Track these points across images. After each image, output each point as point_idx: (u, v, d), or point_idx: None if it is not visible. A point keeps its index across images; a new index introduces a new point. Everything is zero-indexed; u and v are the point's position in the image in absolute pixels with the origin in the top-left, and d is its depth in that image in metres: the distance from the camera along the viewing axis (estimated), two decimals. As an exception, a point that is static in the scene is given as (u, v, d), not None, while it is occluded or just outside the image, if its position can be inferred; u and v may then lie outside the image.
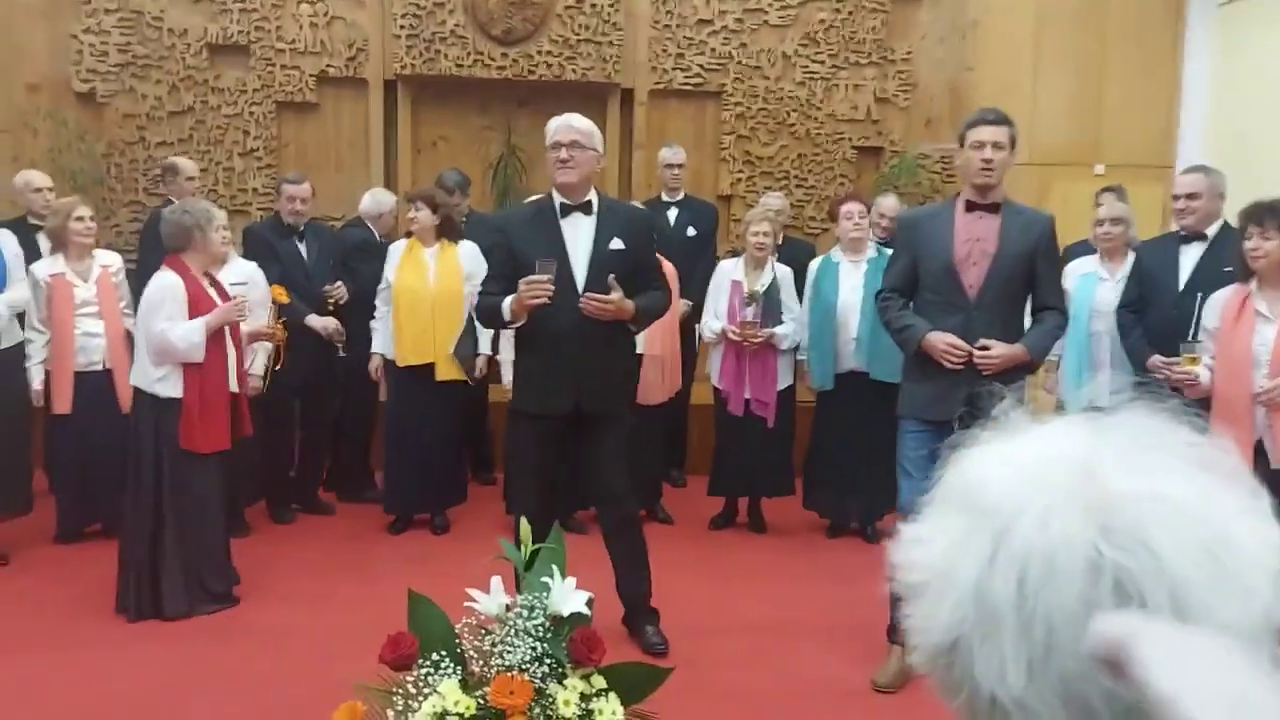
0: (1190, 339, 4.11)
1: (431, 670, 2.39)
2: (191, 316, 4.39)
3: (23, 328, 5.13)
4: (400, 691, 2.38)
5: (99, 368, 5.10)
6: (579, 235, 3.99)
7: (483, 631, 2.49)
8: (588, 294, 3.87)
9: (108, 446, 4.87)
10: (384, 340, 5.60)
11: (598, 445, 4.06)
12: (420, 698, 2.35)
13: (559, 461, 4.12)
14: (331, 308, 5.66)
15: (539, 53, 7.08)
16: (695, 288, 5.88)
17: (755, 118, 7.26)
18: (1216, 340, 4.02)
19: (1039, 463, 0.73)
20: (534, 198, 5.82)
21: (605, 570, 4.07)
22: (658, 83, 7.22)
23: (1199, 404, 3.68)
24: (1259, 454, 3.75)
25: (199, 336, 4.36)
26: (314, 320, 5.54)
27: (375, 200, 6.32)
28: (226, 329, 4.55)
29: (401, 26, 6.99)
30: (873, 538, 5.46)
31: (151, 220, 5.74)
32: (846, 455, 5.42)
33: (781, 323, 5.47)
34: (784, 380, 5.61)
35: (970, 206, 3.88)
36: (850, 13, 7.20)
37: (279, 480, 5.80)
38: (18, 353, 5.09)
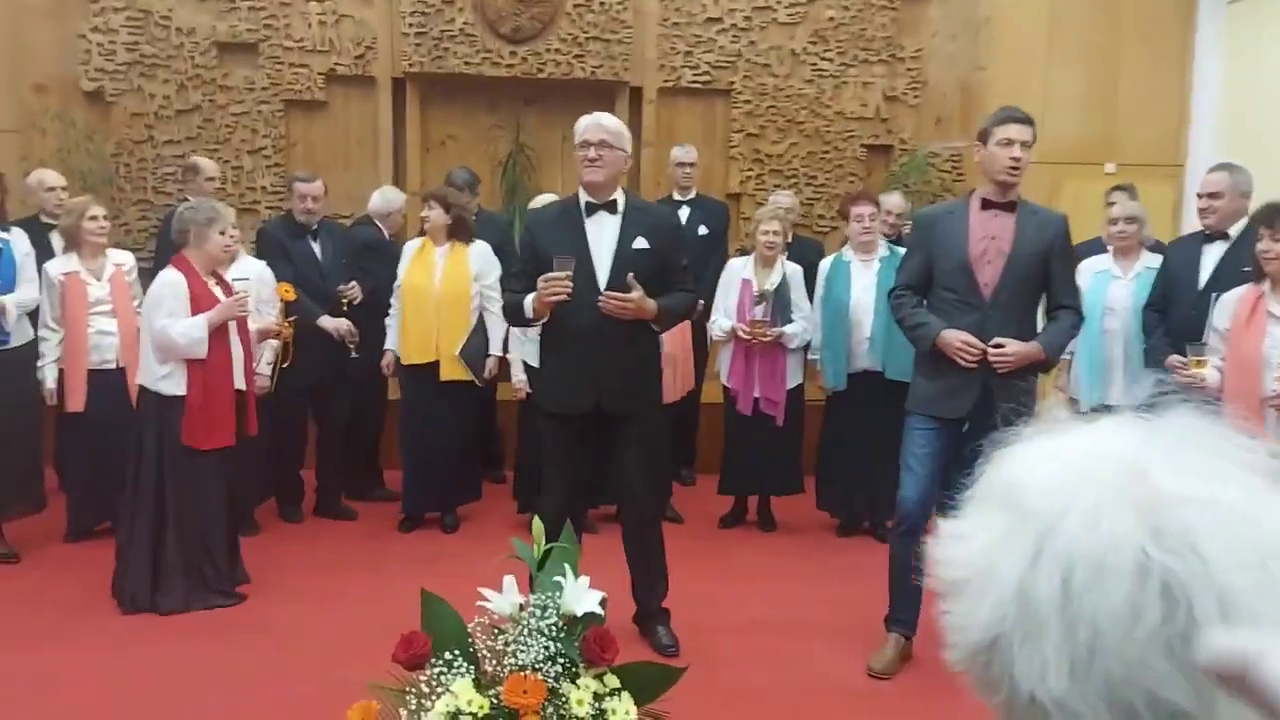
0: (1203, 340, 4.09)
1: (445, 669, 2.38)
2: (194, 314, 4.40)
3: (33, 327, 5.13)
4: (414, 691, 2.37)
5: (112, 366, 5.11)
6: (603, 234, 3.99)
7: (496, 631, 2.48)
8: (607, 292, 3.86)
9: (120, 445, 4.87)
10: (396, 337, 5.63)
11: (620, 445, 4.05)
12: (434, 697, 2.34)
13: (584, 461, 4.11)
14: (345, 308, 5.65)
15: (547, 51, 7.07)
16: (707, 287, 5.87)
17: (764, 115, 7.24)
18: (1227, 341, 3.99)
19: (1086, 462, 0.72)
20: (546, 196, 5.83)
21: (615, 570, 4.06)
22: (666, 80, 7.20)
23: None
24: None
25: (200, 333, 4.36)
26: (326, 322, 5.54)
27: (385, 198, 6.32)
28: (233, 326, 4.55)
29: (410, 24, 6.98)
30: (884, 537, 5.44)
31: (167, 219, 5.75)
32: (859, 455, 5.41)
33: (791, 321, 5.46)
34: (793, 379, 5.59)
35: (986, 204, 3.86)
36: (859, 10, 7.17)
37: (289, 479, 5.80)
38: (28, 352, 5.10)
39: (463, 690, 2.34)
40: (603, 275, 3.93)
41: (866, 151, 7.29)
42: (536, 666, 2.36)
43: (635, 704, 2.43)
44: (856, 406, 5.43)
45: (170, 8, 6.93)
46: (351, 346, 5.60)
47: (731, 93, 7.25)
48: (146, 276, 5.39)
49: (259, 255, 5.57)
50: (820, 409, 5.80)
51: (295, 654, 4.05)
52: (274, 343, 5.19)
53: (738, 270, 5.58)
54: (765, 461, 5.60)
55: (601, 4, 7.03)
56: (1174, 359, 4.21)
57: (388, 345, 5.70)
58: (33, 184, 5.78)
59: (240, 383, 4.62)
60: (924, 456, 3.94)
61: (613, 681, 2.44)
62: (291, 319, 5.15)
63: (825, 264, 5.66)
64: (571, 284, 3.79)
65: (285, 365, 5.27)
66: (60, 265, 5.12)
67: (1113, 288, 4.89)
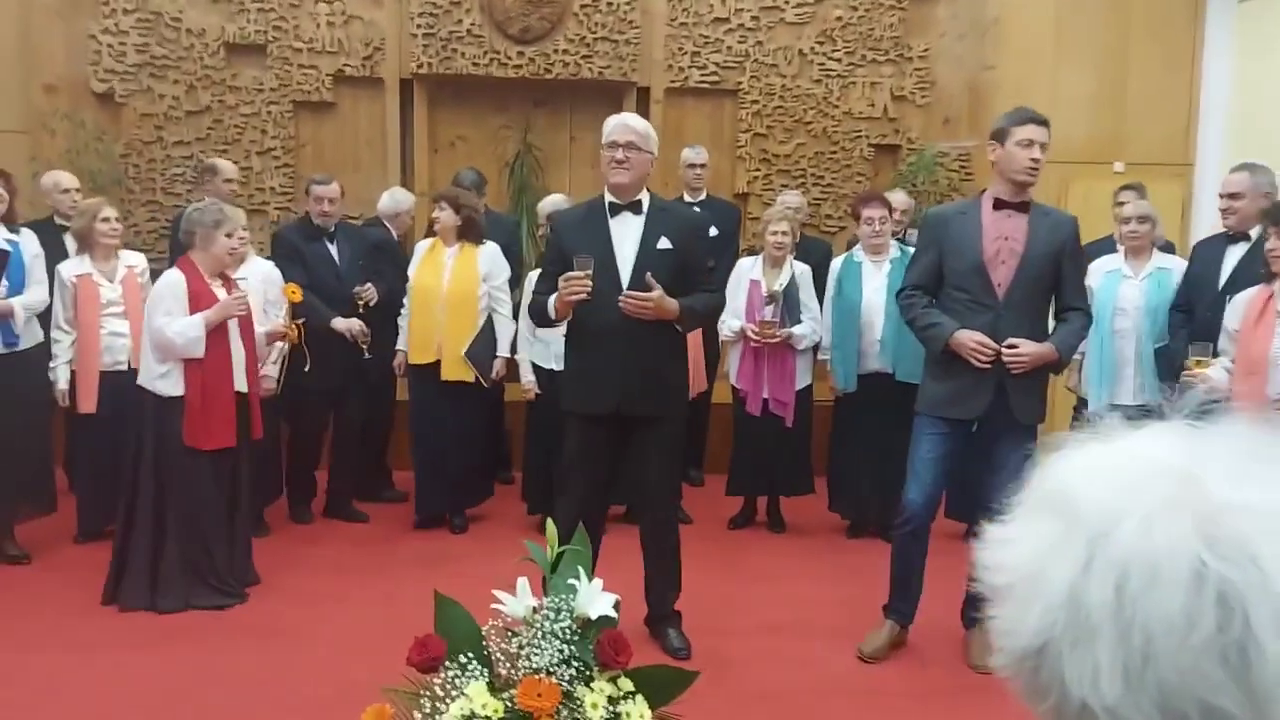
0: (1216, 341, 4.08)
1: (459, 673, 2.38)
2: (193, 314, 4.40)
3: (43, 329, 5.14)
4: (428, 694, 2.37)
5: (124, 367, 5.10)
6: (627, 234, 3.99)
7: (509, 634, 2.48)
8: (627, 292, 3.87)
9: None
10: (407, 337, 5.65)
11: (641, 446, 4.04)
12: (448, 700, 2.34)
13: (607, 462, 4.09)
14: (362, 309, 5.65)
15: (555, 51, 7.07)
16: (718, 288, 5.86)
17: (772, 116, 7.24)
18: (1237, 341, 3.98)
19: (1138, 468, 0.72)
20: (555, 197, 5.83)
21: (624, 571, 4.06)
22: (674, 81, 7.20)
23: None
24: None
25: (196, 332, 4.37)
26: (339, 323, 5.54)
27: (394, 199, 6.32)
28: (233, 327, 4.54)
29: (418, 26, 6.99)
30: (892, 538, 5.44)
31: (178, 220, 5.75)
32: (868, 456, 5.40)
33: (800, 322, 5.45)
34: (802, 380, 5.58)
35: (999, 204, 3.86)
36: (867, 10, 7.17)
37: (304, 481, 5.81)
38: (37, 353, 5.10)
39: (477, 693, 2.33)
40: (626, 276, 3.94)
41: (874, 151, 7.29)
42: (551, 670, 2.37)
43: (650, 707, 2.43)
44: (866, 408, 5.42)
45: (180, 9, 6.95)
46: (364, 347, 5.60)
47: (739, 93, 7.25)
48: (158, 278, 5.41)
49: (274, 258, 5.56)
50: (829, 409, 5.79)
51: (306, 655, 4.05)
52: (281, 344, 5.19)
53: (746, 271, 5.57)
54: (774, 462, 5.60)
55: (609, 4, 7.03)
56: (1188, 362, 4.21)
57: (399, 345, 5.72)
58: (47, 185, 5.79)
59: (242, 384, 4.61)
60: (931, 461, 3.95)
61: (627, 685, 2.44)
62: (299, 321, 5.15)
63: (836, 263, 5.64)
64: (591, 283, 3.79)
65: (306, 369, 5.27)
66: (73, 267, 5.13)
67: (1124, 288, 4.88)
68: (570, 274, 3.82)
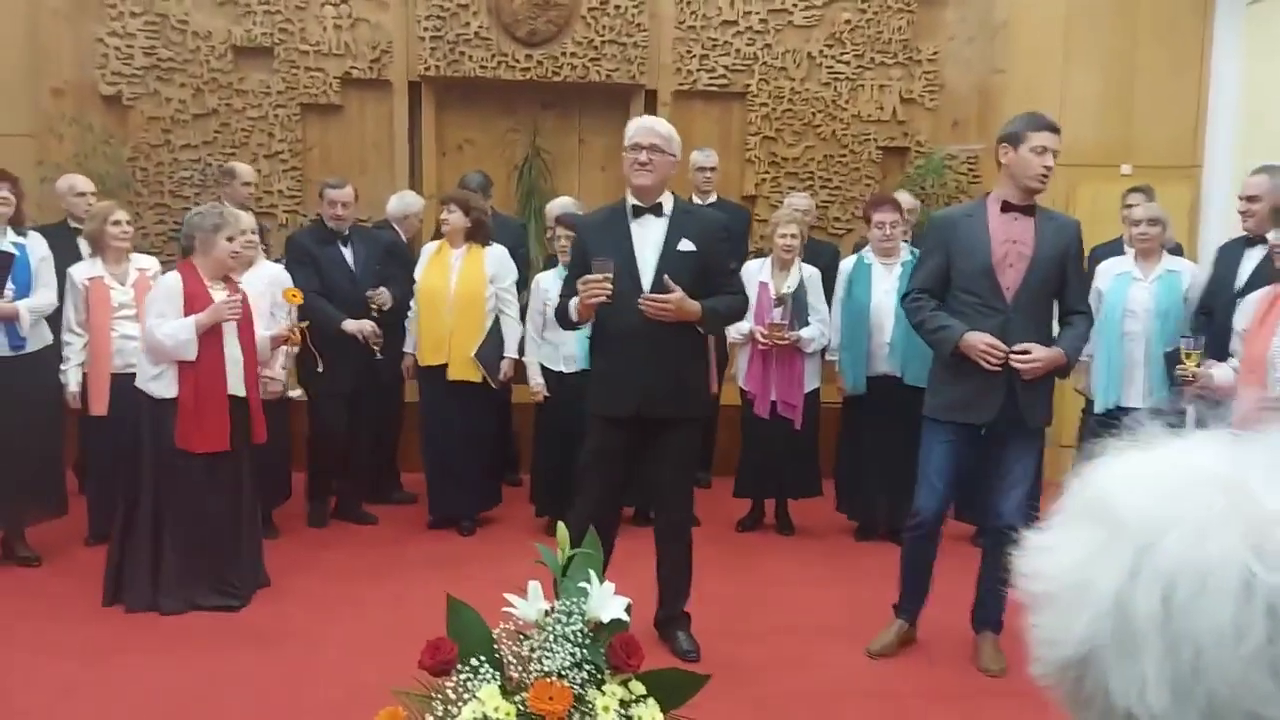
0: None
1: (470, 676, 2.38)
2: (187, 316, 4.41)
3: (52, 331, 5.15)
4: (440, 697, 2.36)
5: (135, 370, 5.10)
6: (648, 237, 3.99)
7: (521, 637, 2.47)
8: (646, 295, 3.87)
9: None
10: (414, 340, 5.66)
11: (659, 448, 4.04)
12: (459, 703, 2.34)
13: (625, 465, 4.08)
14: (376, 313, 5.65)
15: (563, 54, 7.07)
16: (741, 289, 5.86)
17: (780, 118, 7.23)
18: (1243, 341, 3.98)
19: (1183, 478, 0.71)
20: (563, 200, 5.83)
21: (633, 574, 4.05)
22: (682, 84, 7.20)
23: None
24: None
25: (187, 334, 4.37)
26: (349, 324, 5.54)
27: (403, 202, 6.33)
28: (230, 330, 4.53)
29: (425, 28, 7.00)
30: (901, 541, 5.43)
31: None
32: (876, 458, 5.39)
33: (809, 325, 5.44)
34: (811, 382, 5.58)
35: (1005, 208, 3.86)
36: (875, 13, 7.16)
37: (321, 484, 5.82)
38: (47, 355, 5.11)
39: (489, 696, 2.33)
40: (647, 278, 3.93)
41: (883, 154, 7.28)
42: (562, 673, 2.36)
43: (661, 710, 2.43)
44: (874, 411, 5.42)
45: (187, 12, 6.96)
46: (376, 348, 5.60)
47: (747, 96, 7.24)
48: (160, 280, 5.43)
49: (288, 263, 5.57)
50: (837, 412, 5.79)
51: (316, 658, 4.05)
52: (286, 348, 5.19)
53: (754, 273, 5.56)
54: (782, 465, 5.59)
55: (617, 7, 7.03)
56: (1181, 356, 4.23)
57: (406, 348, 5.72)
58: (62, 189, 5.80)
59: (240, 388, 4.59)
60: (942, 468, 3.95)
61: (638, 688, 2.44)
62: (304, 323, 5.14)
63: (846, 265, 5.64)
64: (611, 286, 3.79)
65: (319, 370, 5.28)
66: (85, 270, 5.14)
67: (1133, 290, 4.87)
68: (589, 277, 3.82)
